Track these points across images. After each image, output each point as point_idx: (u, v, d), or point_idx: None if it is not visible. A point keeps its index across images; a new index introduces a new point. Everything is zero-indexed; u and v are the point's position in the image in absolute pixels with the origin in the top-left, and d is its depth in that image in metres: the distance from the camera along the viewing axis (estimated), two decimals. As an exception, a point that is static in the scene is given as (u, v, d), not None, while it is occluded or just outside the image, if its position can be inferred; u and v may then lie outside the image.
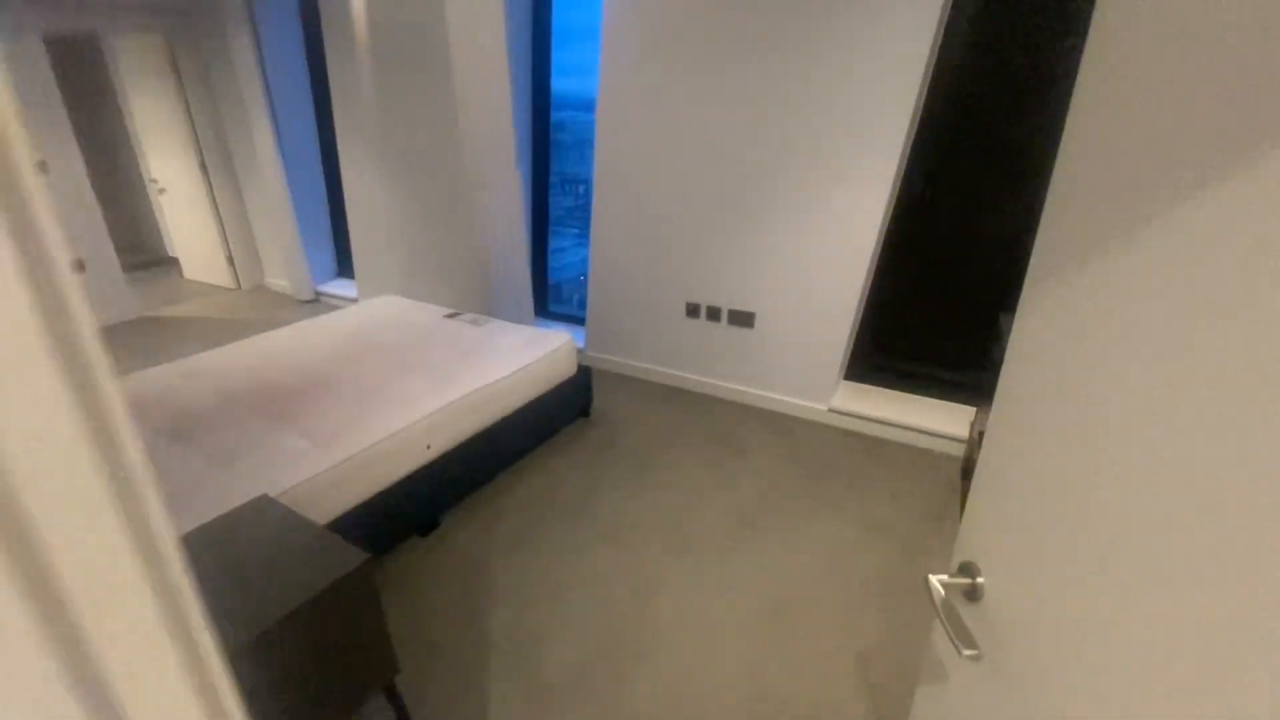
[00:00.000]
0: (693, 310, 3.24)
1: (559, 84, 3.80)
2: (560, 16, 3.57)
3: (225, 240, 5.17)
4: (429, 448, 2.22)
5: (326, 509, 1.88)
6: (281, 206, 4.66)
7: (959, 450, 2.78)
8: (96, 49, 5.17)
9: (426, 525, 2.28)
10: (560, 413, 2.91)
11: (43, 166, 3.58)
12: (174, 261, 5.77)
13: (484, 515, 2.36)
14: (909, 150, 2.55)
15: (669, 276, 3.25)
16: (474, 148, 3.30)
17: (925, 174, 2.71)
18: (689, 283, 3.20)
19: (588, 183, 3.42)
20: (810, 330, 2.97)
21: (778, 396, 3.19)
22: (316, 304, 4.99)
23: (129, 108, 5.10)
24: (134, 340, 4.18)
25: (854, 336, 2.96)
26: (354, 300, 4.77)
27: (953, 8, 2.33)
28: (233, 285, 5.35)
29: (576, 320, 4.08)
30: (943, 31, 2.35)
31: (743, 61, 2.65)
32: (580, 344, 3.74)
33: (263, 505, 1.46)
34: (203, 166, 4.90)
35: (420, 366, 2.56)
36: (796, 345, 3.03)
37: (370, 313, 3.22)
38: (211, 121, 4.82)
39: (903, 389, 3.13)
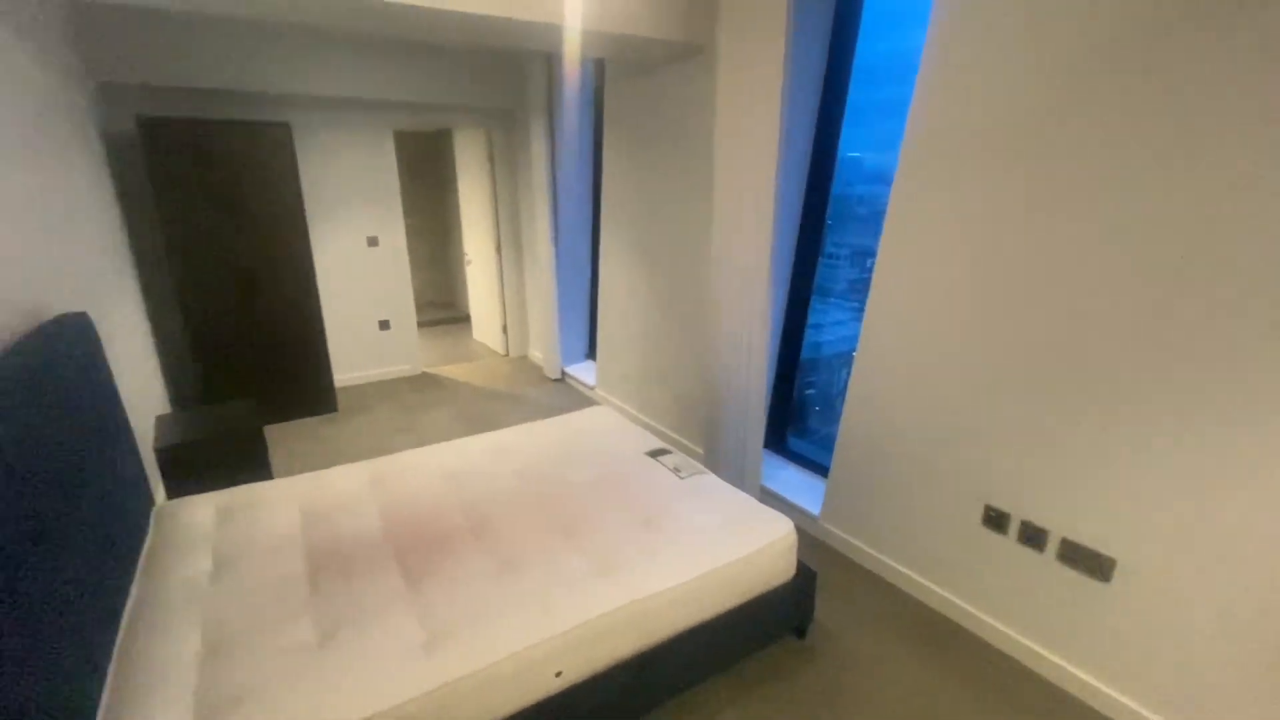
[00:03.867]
0: (995, 520, 2.11)
1: (859, 157, 3.04)
2: (865, 91, 2.80)
3: (504, 311, 5.59)
4: (559, 675, 1.62)
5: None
6: (548, 287, 4.79)
7: None
8: (447, 142, 6.17)
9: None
10: (759, 631, 2.07)
11: (372, 241, 4.03)
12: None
13: (615, 786, 1.65)
14: None
15: (964, 459, 2.18)
16: (726, 264, 2.78)
17: None
18: (995, 478, 2.10)
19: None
20: (1224, 607, 1.62)
21: (1142, 711, 1.83)
22: (561, 383, 5.00)
23: (460, 191, 5.93)
24: (409, 395, 4.61)
25: (1348, 664, 1.52)
26: (591, 388, 4.63)
27: None
28: (503, 352, 5.75)
29: (819, 467, 3.18)
30: None
31: (1147, 160, 1.58)
32: (814, 510, 2.84)
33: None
34: (498, 245, 5.38)
35: (588, 532, 2.01)
36: (1192, 628, 1.69)
37: (576, 429, 2.84)
38: (509, 206, 5.28)
39: None
